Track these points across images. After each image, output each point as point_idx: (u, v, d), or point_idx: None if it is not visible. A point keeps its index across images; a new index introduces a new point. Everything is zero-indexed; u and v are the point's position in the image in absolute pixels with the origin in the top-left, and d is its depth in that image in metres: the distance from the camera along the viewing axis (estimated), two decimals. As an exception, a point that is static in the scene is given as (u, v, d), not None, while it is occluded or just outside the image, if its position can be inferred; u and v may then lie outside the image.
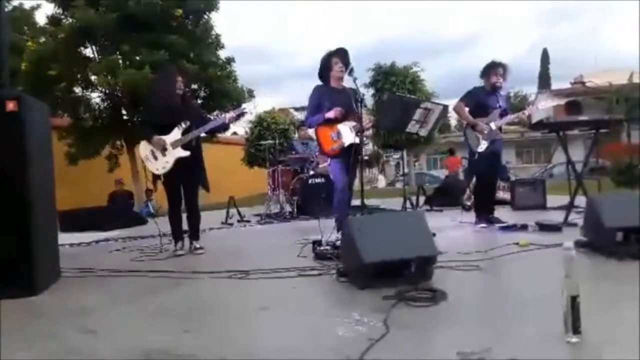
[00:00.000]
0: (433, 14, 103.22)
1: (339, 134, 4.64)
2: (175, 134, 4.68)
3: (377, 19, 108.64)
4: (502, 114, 5.56)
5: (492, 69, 5.59)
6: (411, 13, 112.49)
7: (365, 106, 4.67)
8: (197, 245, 4.86)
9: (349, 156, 4.53)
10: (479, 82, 5.78)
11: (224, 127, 5.32)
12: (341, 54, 4.78)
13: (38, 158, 3.47)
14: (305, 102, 4.98)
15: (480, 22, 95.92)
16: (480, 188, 5.86)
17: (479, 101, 5.60)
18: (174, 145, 4.66)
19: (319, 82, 4.86)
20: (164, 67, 7.97)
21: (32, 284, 3.24)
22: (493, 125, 5.44)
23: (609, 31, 79.71)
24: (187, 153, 4.67)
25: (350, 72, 4.55)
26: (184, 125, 4.71)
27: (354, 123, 4.57)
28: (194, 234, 4.94)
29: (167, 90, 4.75)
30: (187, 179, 4.79)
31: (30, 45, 11.22)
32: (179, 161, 4.66)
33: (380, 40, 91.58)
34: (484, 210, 5.69)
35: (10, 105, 3.22)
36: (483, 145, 5.44)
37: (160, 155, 4.69)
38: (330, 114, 4.60)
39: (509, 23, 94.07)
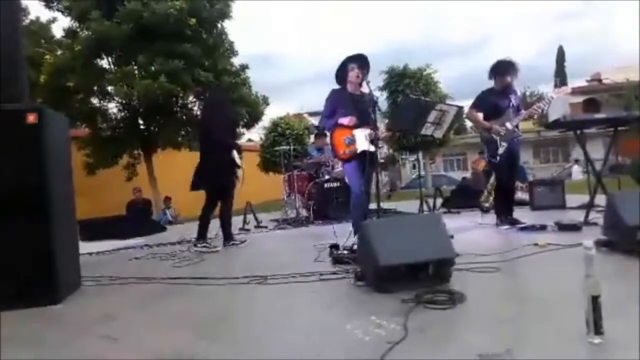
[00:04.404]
0: (444, 17, 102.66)
1: (352, 139, 4.62)
2: None
3: (389, 23, 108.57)
4: (516, 112, 5.50)
5: (500, 68, 5.51)
6: (422, 16, 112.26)
7: (380, 110, 4.63)
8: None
9: (364, 160, 4.52)
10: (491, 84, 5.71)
11: None
12: (358, 59, 4.73)
13: (58, 169, 3.53)
14: (319, 107, 4.98)
15: (493, 22, 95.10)
16: (502, 189, 5.80)
17: (491, 103, 5.53)
18: None
19: (335, 87, 4.84)
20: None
21: (54, 293, 3.29)
22: (509, 125, 5.38)
23: (625, 27, 78.53)
24: None
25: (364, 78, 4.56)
26: None
27: (369, 131, 4.53)
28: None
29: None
30: None
31: (47, 59, 11.43)
32: None
33: (392, 43, 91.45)
34: (506, 212, 5.64)
35: (31, 118, 3.28)
36: (502, 147, 5.39)
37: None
38: (345, 121, 4.60)
39: (523, 22, 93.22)
